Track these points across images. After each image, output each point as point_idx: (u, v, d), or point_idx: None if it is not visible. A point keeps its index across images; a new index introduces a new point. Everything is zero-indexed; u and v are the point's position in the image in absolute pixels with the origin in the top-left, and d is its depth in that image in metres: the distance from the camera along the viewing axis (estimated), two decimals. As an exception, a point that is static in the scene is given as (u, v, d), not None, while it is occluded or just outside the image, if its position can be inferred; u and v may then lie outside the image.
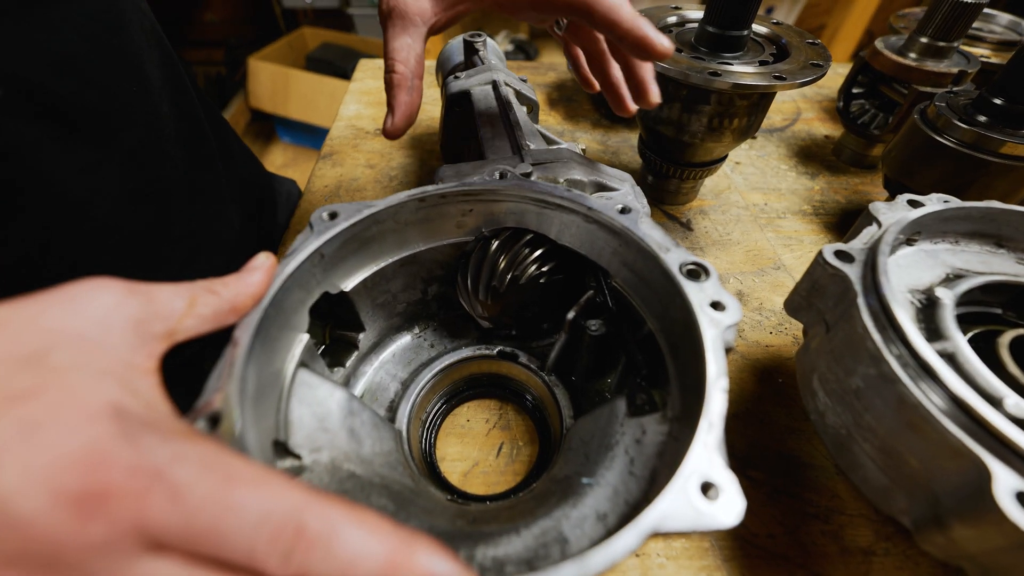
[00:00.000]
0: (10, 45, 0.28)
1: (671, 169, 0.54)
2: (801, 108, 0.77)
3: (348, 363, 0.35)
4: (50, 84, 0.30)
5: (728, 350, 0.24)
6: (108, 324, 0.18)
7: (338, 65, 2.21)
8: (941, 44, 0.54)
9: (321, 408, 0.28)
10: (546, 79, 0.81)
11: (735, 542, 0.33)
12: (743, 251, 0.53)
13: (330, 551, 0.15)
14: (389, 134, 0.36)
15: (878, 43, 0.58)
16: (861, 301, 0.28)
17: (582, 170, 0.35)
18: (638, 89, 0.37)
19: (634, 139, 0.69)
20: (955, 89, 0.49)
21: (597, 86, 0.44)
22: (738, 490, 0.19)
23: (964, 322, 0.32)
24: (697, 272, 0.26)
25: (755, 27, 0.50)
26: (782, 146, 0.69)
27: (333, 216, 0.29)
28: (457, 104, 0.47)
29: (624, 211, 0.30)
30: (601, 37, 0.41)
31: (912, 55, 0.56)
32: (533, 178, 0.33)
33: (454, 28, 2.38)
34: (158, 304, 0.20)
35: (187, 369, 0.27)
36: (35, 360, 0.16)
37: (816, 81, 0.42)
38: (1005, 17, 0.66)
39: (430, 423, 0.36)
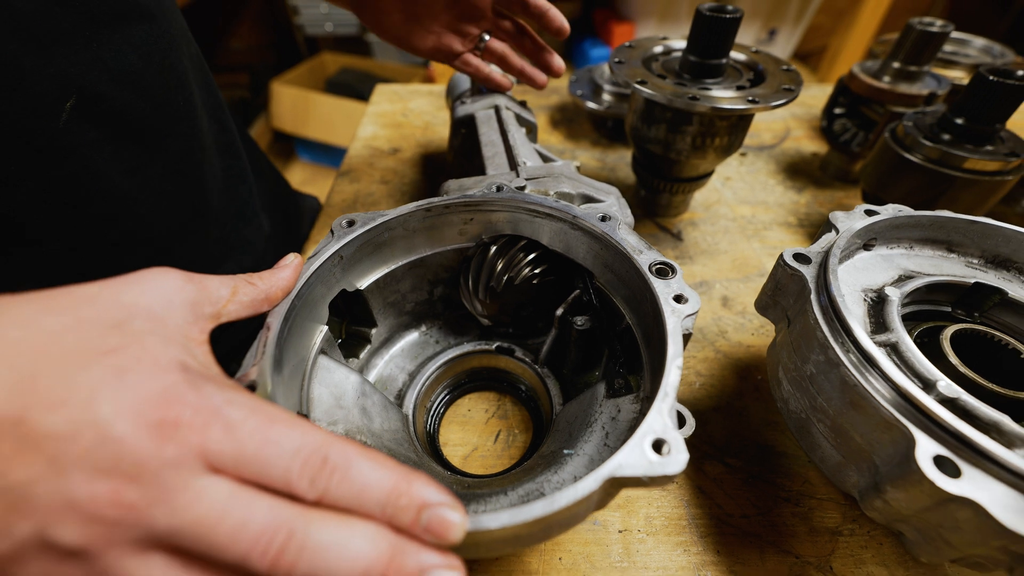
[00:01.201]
0: (82, 62, 0.33)
1: (661, 184, 0.58)
2: (791, 127, 0.81)
3: (362, 355, 0.39)
4: (111, 95, 0.35)
5: (687, 335, 0.27)
6: (170, 303, 0.22)
7: (356, 88, 2.31)
8: (912, 68, 0.58)
9: (338, 389, 0.32)
10: (549, 101, 0.86)
11: (711, 521, 0.36)
12: (730, 259, 0.57)
13: (347, 477, 0.19)
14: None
15: (855, 67, 0.62)
16: (813, 297, 0.31)
17: (571, 184, 0.40)
18: (547, 66, 0.57)
19: (630, 156, 0.73)
20: (924, 110, 0.53)
21: (512, 82, 0.58)
22: (683, 447, 0.22)
23: (917, 318, 0.36)
24: (665, 270, 0.30)
25: (735, 55, 0.55)
26: (771, 162, 0.73)
27: (351, 224, 0.34)
28: (463, 126, 0.52)
29: (604, 219, 0.34)
30: (506, 44, 0.57)
31: (886, 78, 0.60)
32: (527, 191, 0.38)
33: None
34: (208, 291, 0.24)
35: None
36: (119, 325, 0.20)
37: (786, 104, 0.46)
38: (979, 42, 0.69)
39: (434, 411, 0.40)
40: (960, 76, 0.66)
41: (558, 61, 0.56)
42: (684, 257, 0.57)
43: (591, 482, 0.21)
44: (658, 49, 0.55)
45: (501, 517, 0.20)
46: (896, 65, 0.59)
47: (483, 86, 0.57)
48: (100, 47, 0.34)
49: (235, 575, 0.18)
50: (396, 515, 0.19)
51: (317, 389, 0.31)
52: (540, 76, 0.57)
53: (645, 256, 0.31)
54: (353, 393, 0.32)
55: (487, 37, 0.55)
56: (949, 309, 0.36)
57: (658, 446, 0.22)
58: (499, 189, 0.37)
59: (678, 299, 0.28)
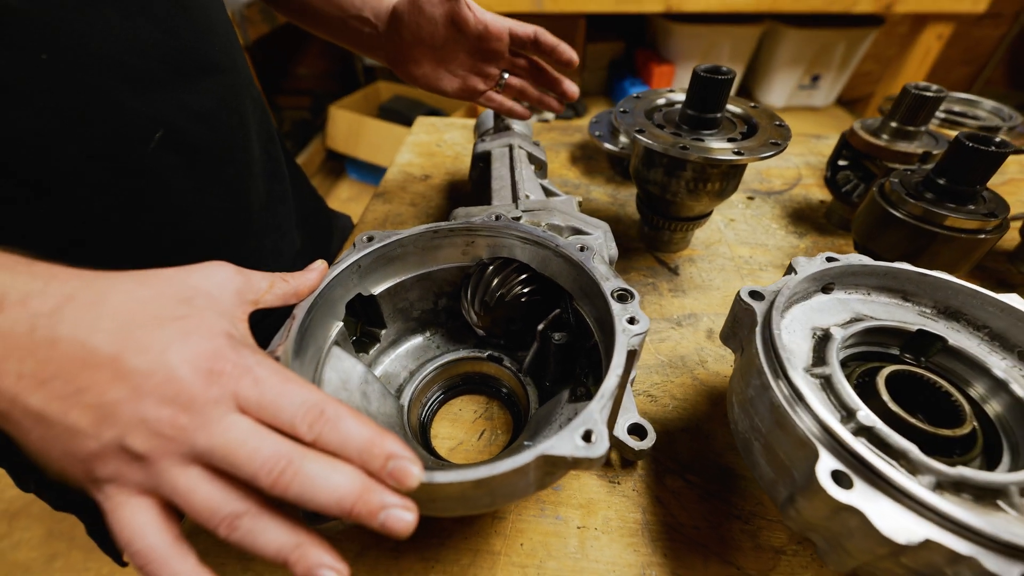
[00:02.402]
0: (170, 103, 0.43)
1: (661, 221, 0.63)
2: (803, 175, 0.85)
3: (371, 352, 0.45)
4: (189, 129, 0.45)
5: (632, 351, 0.32)
6: (223, 289, 0.29)
7: (406, 115, 2.48)
8: (909, 128, 0.61)
9: (345, 374, 0.38)
10: (572, 139, 0.93)
11: (663, 528, 0.39)
12: (721, 296, 0.61)
13: (336, 428, 0.24)
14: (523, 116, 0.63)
15: (856, 124, 0.66)
16: (758, 330, 0.35)
17: (562, 217, 0.45)
18: (562, 93, 0.64)
19: (640, 195, 0.78)
20: (911, 168, 0.56)
21: (528, 114, 0.66)
22: (606, 439, 0.27)
23: (867, 358, 0.39)
24: (625, 296, 0.35)
25: (733, 108, 0.60)
26: (777, 207, 0.77)
27: (370, 239, 0.41)
28: (481, 161, 0.59)
29: (583, 249, 0.40)
30: (523, 80, 0.64)
31: (884, 136, 0.63)
32: (521, 221, 0.44)
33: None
34: (252, 282, 0.32)
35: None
36: (187, 301, 0.27)
37: (770, 158, 0.51)
38: (989, 103, 0.72)
39: (429, 406, 0.46)
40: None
41: (571, 87, 0.63)
42: (677, 290, 0.61)
43: (527, 456, 0.26)
44: (661, 101, 0.61)
45: (449, 475, 0.25)
46: (894, 124, 0.62)
47: (505, 118, 0.64)
48: (185, 92, 0.43)
49: (246, 489, 0.24)
50: (369, 461, 0.24)
51: (328, 372, 0.37)
52: (554, 104, 0.66)
53: (610, 283, 0.36)
54: (357, 380, 0.39)
55: (507, 76, 0.63)
56: (897, 352, 0.39)
57: (587, 435, 0.27)
58: (497, 218, 0.43)
59: (631, 321, 0.33)
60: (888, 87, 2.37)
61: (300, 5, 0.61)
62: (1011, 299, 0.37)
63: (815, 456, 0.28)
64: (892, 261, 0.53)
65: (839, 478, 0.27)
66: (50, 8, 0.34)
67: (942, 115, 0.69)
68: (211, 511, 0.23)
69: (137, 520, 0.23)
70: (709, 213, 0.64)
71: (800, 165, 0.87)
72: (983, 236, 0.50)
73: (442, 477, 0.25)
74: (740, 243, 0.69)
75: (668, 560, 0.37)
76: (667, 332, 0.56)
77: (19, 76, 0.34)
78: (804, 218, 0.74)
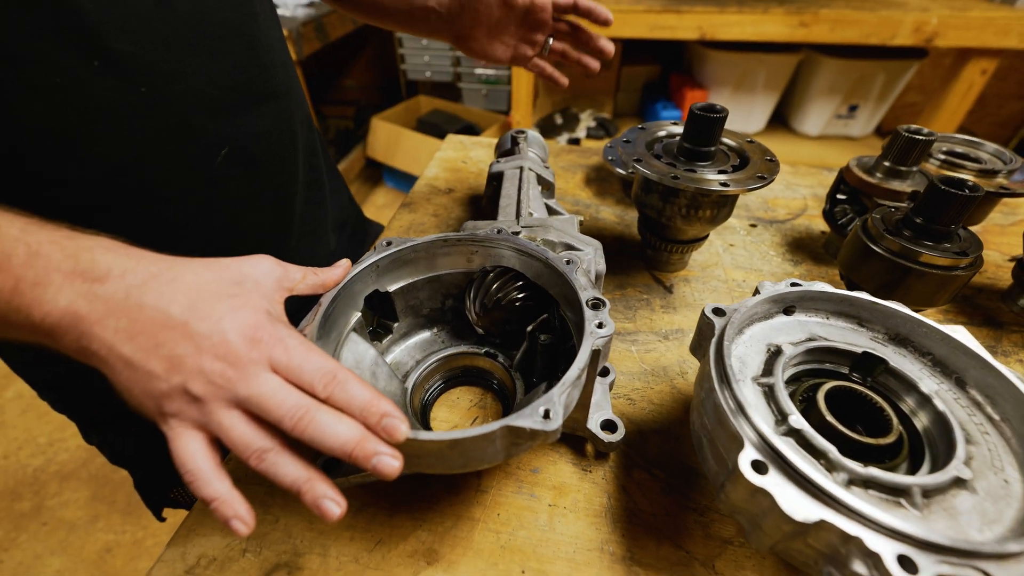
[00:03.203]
0: (236, 125, 0.52)
1: (658, 243, 0.69)
2: (809, 205, 0.88)
3: (384, 341, 0.52)
4: (250, 147, 0.53)
5: (597, 351, 0.38)
6: (267, 276, 0.37)
7: (443, 128, 2.60)
8: (901, 168, 0.65)
9: (359, 356, 0.45)
10: (588, 161, 0.99)
11: (625, 513, 0.44)
12: (709, 315, 0.65)
13: (344, 389, 0.31)
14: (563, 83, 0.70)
15: (852, 161, 0.70)
16: (714, 341, 0.40)
17: (557, 234, 0.52)
18: (599, 50, 0.70)
19: (646, 217, 0.83)
20: (894, 206, 0.60)
21: (566, 81, 0.75)
22: (561, 417, 0.33)
23: (817, 374, 0.43)
24: (597, 304, 0.41)
25: (729, 141, 0.65)
26: (778, 236, 0.80)
27: (389, 243, 0.48)
28: (495, 180, 0.66)
29: (568, 263, 0.46)
30: (565, 43, 0.73)
31: (878, 174, 0.67)
32: (520, 236, 0.50)
33: (542, 104, 2.70)
34: (289, 273, 0.39)
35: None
36: (238, 283, 0.35)
37: (755, 190, 0.56)
38: (991, 146, 0.74)
39: (430, 392, 0.52)
40: (969, 179, 0.70)
41: (606, 44, 0.70)
42: (669, 307, 0.66)
43: (494, 425, 0.32)
44: (662, 133, 0.67)
45: (429, 435, 0.31)
46: (887, 163, 0.66)
47: (520, 141, 0.72)
48: (248, 116, 0.52)
49: (273, 431, 0.31)
50: (367, 417, 0.31)
51: (345, 353, 0.44)
52: (591, 63, 0.73)
53: (587, 293, 0.42)
54: (369, 362, 0.46)
55: (551, 41, 0.72)
56: (847, 371, 0.43)
57: (546, 413, 0.33)
58: (499, 232, 0.50)
59: (600, 325, 0.39)
60: (929, 120, 2.32)
61: (370, 2, 0.71)
62: (954, 331, 0.41)
63: (742, 448, 0.33)
64: (871, 291, 0.57)
65: (757, 466, 0.32)
66: (151, 51, 0.43)
67: (942, 156, 0.72)
68: (245, 445, 0.30)
69: (191, 447, 0.31)
70: (704, 237, 0.69)
71: (807, 196, 0.91)
72: (956, 272, 0.53)
73: (424, 436, 0.31)
74: (736, 267, 0.74)
75: (625, 539, 0.42)
76: (654, 344, 0.61)
77: (124, 104, 0.43)
78: (803, 247, 0.78)
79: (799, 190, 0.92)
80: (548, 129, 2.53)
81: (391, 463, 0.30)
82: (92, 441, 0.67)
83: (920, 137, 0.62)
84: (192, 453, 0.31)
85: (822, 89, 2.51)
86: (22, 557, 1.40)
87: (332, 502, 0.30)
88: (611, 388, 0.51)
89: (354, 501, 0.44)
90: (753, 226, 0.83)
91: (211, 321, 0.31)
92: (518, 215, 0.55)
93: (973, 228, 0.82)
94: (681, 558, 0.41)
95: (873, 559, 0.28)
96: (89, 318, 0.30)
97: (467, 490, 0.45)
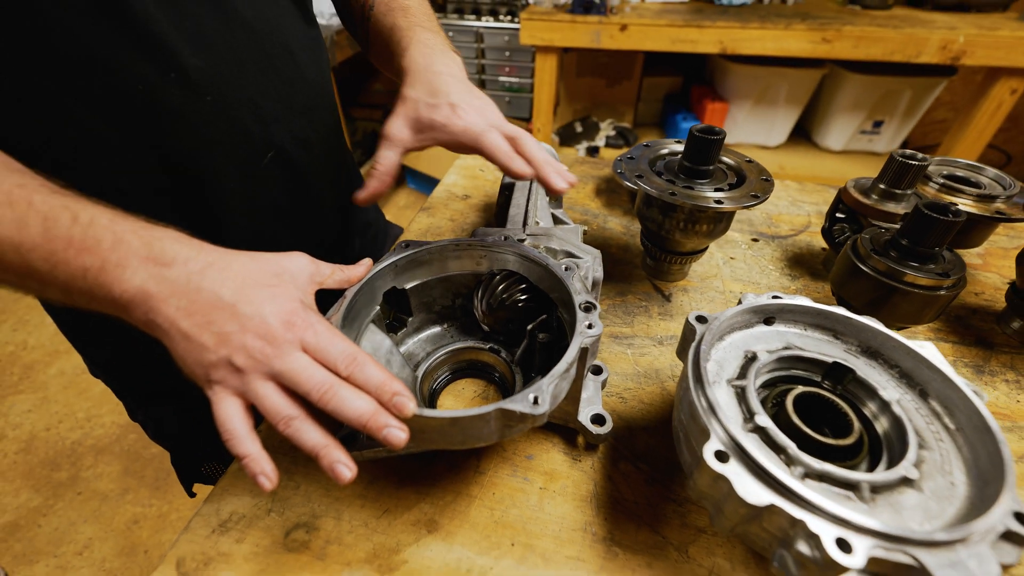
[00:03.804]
0: (282, 132, 0.58)
1: (659, 254, 0.73)
2: (812, 223, 0.91)
3: (399, 334, 0.58)
4: (292, 151, 0.60)
5: (585, 349, 0.42)
6: (301, 271, 0.43)
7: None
8: (895, 191, 0.68)
9: (376, 344, 0.51)
10: (600, 173, 1.04)
11: (609, 500, 0.48)
12: (704, 324, 0.69)
13: (362, 370, 0.37)
14: (358, 201, 0.52)
15: (849, 183, 0.73)
16: (693, 345, 0.44)
17: (559, 242, 0.56)
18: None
19: (652, 228, 0.87)
20: (883, 227, 0.63)
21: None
22: (548, 403, 0.37)
23: (791, 381, 0.47)
24: (589, 307, 0.46)
25: (728, 160, 0.68)
26: (779, 251, 0.83)
27: (407, 245, 0.53)
28: (506, 189, 0.71)
29: (567, 269, 0.50)
30: None
31: (873, 196, 0.70)
32: (524, 243, 0.55)
33: (563, 113, 2.74)
34: (320, 269, 0.45)
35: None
36: (277, 275, 0.40)
37: (747, 208, 0.60)
38: (991, 171, 0.76)
39: (438, 381, 0.58)
40: (968, 203, 0.72)
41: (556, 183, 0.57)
42: (666, 314, 0.70)
43: (490, 407, 0.37)
44: (665, 151, 0.71)
45: (433, 412, 0.36)
46: (882, 186, 0.69)
47: None
48: (292, 124, 0.59)
49: (300, 402, 0.36)
50: (380, 395, 0.36)
51: (364, 342, 0.50)
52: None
53: (580, 296, 0.47)
54: (385, 350, 0.51)
55: None
56: (820, 379, 0.46)
57: (536, 400, 0.38)
58: (506, 239, 0.55)
59: (589, 326, 0.44)
60: (956, 139, 2.29)
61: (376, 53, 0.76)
62: (922, 347, 0.44)
63: (708, 439, 0.37)
64: (858, 307, 0.60)
65: (720, 456, 0.36)
66: (216, 66, 0.50)
67: (941, 180, 0.74)
68: (276, 411, 0.36)
69: (230, 411, 0.36)
70: (703, 249, 0.72)
71: (812, 213, 0.93)
72: (940, 292, 0.56)
73: (428, 413, 0.36)
74: (734, 279, 0.77)
75: (607, 523, 0.46)
76: (648, 348, 0.65)
77: (191, 110, 0.50)
78: (802, 263, 0.81)
79: (804, 207, 0.95)
80: (568, 137, 2.58)
81: (399, 435, 0.35)
82: (137, 418, 0.74)
83: (914, 162, 0.65)
84: (231, 415, 0.36)
85: (846, 104, 2.49)
86: (58, 523, 1.50)
87: (344, 466, 0.35)
88: (604, 386, 0.55)
89: (366, 474, 0.49)
90: (755, 240, 0.86)
91: (254, 305, 0.37)
92: (525, 223, 0.60)
93: (974, 251, 0.84)
94: (657, 542, 0.45)
95: (815, 540, 0.32)
96: (157, 296, 0.36)
97: (467, 471, 0.50)
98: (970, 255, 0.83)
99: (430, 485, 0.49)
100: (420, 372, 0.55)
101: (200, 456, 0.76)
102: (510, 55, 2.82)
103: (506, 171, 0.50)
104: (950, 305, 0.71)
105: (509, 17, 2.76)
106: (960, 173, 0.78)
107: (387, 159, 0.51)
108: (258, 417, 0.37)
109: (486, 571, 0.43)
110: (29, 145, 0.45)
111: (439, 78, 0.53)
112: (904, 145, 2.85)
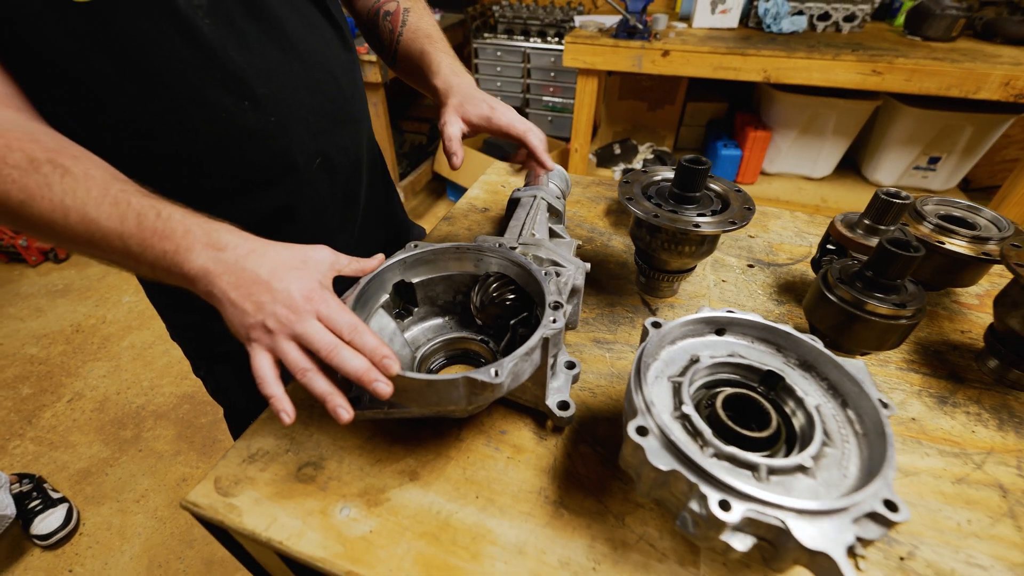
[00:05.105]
0: (327, 142, 0.71)
1: (648, 271, 0.80)
2: (813, 253, 0.94)
3: (406, 321, 0.68)
4: (336, 158, 0.73)
5: (547, 339, 0.51)
6: (323, 260, 0.54)
7: (506, 151, 2.81)
8: (879, 227, 0.72)
9: (382, 326, 0.61)
10: (613, 194, 1.12)
11: (564, 472, 0.56)
12: (684, 336, 0.75)
13: (362, 337, 0.47)
14: (454, 168, 0.71)
15: (837, 217, 0.77)
16: (641, 346, 0.52)
17: (547, 252, 0.65)
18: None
19: (653, 247, 0.94)
20: (853, 259, 0.67)
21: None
22: (507, 374, 0.46)
23: (731, 384, 0.53)
24: (556, 306, 0.54)
25: (716, 187, 0.75)
26: (771, 277, 0.88)
27: (416, 246, 0.64)
28: (512, 204, 0.81)
29: (546, 274, 0.59)
30: None
31: (858, 230, 0.74)
32: (516, 251, 0.64)
33: (603, 134, 2.82)
34: (339, 259, 0.56)
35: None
36: (303, 261, 0.51)
37: (724, 232, 0.66)
38: (989, 212, 0.78)
39: (435, 364, 0.67)
40: (960, 244, 0.74)
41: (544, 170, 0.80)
42: (650, 325, 0.77)
43: (458, 375, 0.46)
44: (658, 177, 0.78)
45: (412, 374, 0.46)
46: (866, 222, 0.73)
47: (540, 173, 0.86)
48: (335, 135, 0.71)
49: (314, 359, 0.47)
50: (373, 356, 0.46)
51: (372, 324, 0.60)
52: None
53: (552, 296, 0.55)
54: (388, 333, 0.61)
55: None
56: (756, 384, 0.52)
57: (496, 372, 0.46)
58: (500, 246, 0.64)
59: (554, 321, 0.52)
60: (1019, 179, 2.17)
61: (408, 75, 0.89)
62: (851, 363, 0.49)
63: (634, 417, 0.45)
64: (824, 332, 0.66)
65: (640, 430, 0.43)
66: (281, 94, 0.64)
67: (936, 220, 0.76)
68: (296, 364, 0.47)
69: (263, 362, 0.48)
70: (690, 269, 0.79)
71: (814, 245, 0.97)
72: (899, 322, 0.60)
73: (408, 374, 0.46)
74: (722, 300, 0.83)
75: (559, 490, 0.54)
76: (627, 354, 0.72)
77: (260, 129, 0.63)
78: (791, 291, 0.85)
79: (808, 238, 0.99)
80: (606, 158, 2.65)
81: (384, 388, 0.45)
82: (199, 374, 0.88)
83: (896, 200, 0.69)
84: (263, 365, 0.47)
85: (900, 138, 2.41)
86: (121, 474, 1.71)
87: (343, 409, 0.46)
88: (576, 380, 0.63)
89: (366, 430, 0.60)
90: (750, 266, 0.91)
91: (284, 283, 0.48)
92: (520, 234, 0.70)
93: (970, 290, 0.85)
94: (600, 510, 0.52)
95: (704, 500, 0.39)
96: (214, 273, 0.48)
97: (449, 437, 0.59)
98: (968, 295, 0.84)
99: (416, 445, 0.58)
100: (419, 354, 0.65)
101: (250, 414, 0.90)
102: (555, 76, 2.94)
103: (540, 162, 0.75)
104: (916, 335, 0.74)
105: (556, 39, 2.88)
106: (957, 213, 0.80)
107: (453, 135, 0.70)
108: (286, 377, 0.48)
109: (452, 514, 0.51)
110: (139, 161, 0.59)
111: (471, 90, 0.74)
112: (964, 184, 2.72)
